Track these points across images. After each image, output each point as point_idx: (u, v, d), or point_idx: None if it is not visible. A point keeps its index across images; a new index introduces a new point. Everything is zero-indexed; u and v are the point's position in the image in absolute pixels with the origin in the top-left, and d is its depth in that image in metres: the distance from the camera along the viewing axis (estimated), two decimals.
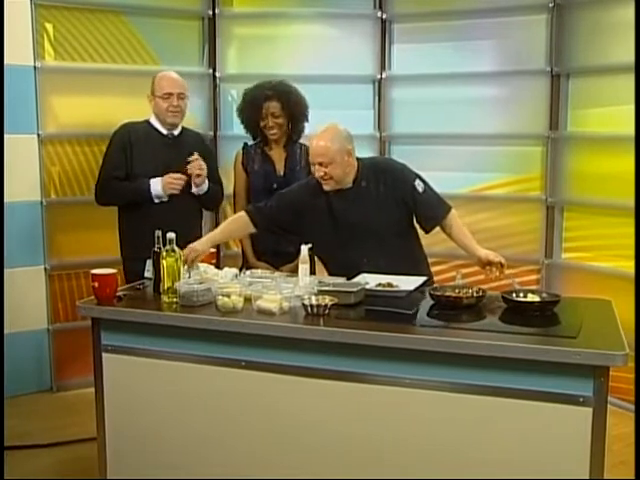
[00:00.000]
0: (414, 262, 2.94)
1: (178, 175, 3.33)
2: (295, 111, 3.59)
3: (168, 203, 3.35)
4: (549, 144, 4.18)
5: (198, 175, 3.37)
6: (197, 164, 3.37)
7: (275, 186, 3.48)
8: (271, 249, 3.49)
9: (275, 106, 3.53)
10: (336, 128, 2.87)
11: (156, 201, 3.35)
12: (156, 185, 3.33)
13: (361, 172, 2.90)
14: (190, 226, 3.38)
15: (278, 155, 3.60)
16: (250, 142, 3.74)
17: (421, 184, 2.90)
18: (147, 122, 3.47)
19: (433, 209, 2.91)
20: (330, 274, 2.91)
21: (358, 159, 2.93)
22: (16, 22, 3.75)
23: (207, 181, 3.45)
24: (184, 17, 4.31)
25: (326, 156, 2.79)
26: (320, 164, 2.81)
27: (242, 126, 3.74)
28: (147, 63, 4.13)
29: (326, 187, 2.87)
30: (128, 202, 3.38)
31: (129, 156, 3.37)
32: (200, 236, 3.29)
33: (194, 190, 3.42)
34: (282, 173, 3.56)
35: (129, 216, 3.43)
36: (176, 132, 3.47)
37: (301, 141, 3.69)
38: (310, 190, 2.95)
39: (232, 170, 3.75)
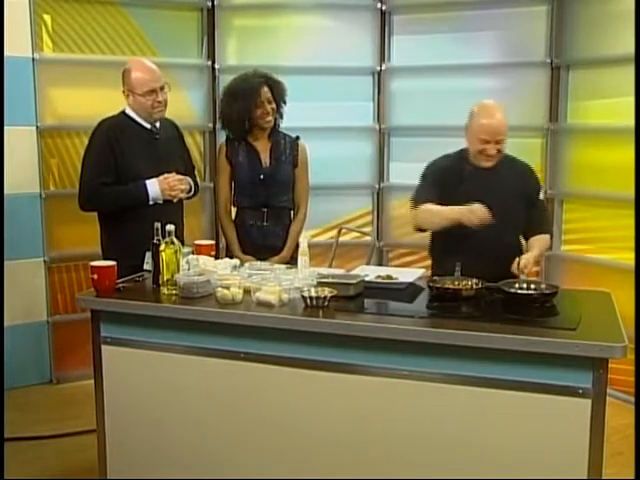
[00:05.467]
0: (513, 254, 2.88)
1: (177, 181, 3.19)
2: (282, 95, 3.57)
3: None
4: (549, 136, 4.18)
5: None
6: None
7: (261, 177, 3.46)
8: (258, 243, 3.46)
9: (268, 91, 3.50)
10: (500, 105, 2.91)
11: (151, 203, 3.16)
12: (153, 187, 3.14)
13: (503, 160, 2.91)
14: (174, 216, 3.17)
15: (263, 146, 3.56)
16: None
17: (542, 194, 3.04)
18: (125, 115, 3.22)
19: (545, 220, 3.05)
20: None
21: None
22: (14, 13, 3.74)
23: (189, 180, 3.32)
24: (183, 8, 4.29)
25: (504, 133, 2.84)
26: (498, 142, 2.83)
27: (225, 123, 3.55)
28: (146, 55, 4.10)
29: (488, 163, 2.88)
30: (120, 207, 3.15)
31: (118, 156, 3.13)
32: (181, 223, 3.26)
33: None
34: (268, 164, 3.53)
35: (117, 217, 3.19)
36: (158, 124, 3.26)
37: (282, 130, 3.63)
38: (453, 164, 2.96)
39: None
